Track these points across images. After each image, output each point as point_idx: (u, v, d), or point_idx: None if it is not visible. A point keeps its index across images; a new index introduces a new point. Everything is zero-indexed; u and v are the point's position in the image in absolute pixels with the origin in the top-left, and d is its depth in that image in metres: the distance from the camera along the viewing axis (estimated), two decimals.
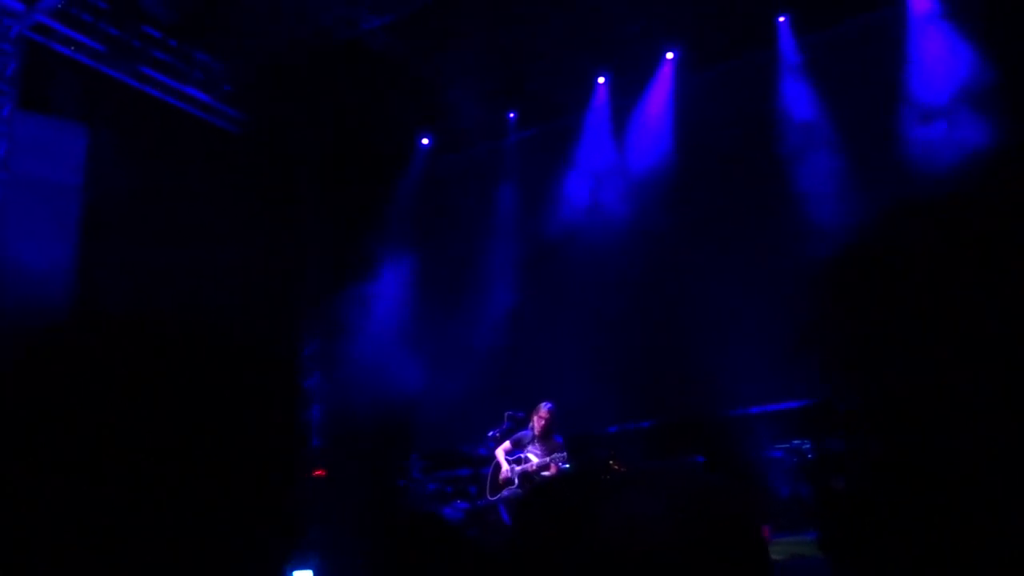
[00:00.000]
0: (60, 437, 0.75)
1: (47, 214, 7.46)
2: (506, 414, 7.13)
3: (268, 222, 9.25)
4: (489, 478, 7.06)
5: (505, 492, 6.84)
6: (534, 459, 6.82)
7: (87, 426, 0.75)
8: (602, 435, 8.36)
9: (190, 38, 8.71)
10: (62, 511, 0.73)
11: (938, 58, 7.79)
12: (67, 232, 7.55)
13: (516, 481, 6.83)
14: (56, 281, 7.22)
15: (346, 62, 9.03)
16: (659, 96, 9.45)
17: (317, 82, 9.32)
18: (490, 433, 7.20)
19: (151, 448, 0.76)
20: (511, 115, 10.30)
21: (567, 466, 7.11)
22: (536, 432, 6.88)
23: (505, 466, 6.95)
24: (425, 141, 10.73)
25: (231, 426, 0.85)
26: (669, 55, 9.36)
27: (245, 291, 8.19)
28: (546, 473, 6.72)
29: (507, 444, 7.03)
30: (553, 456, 6.74)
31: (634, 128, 9.62)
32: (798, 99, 8.62)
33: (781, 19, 8.82)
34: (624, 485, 1.05)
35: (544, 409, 6.88)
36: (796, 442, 7.55)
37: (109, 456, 0.75)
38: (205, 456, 0.81)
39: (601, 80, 9.77)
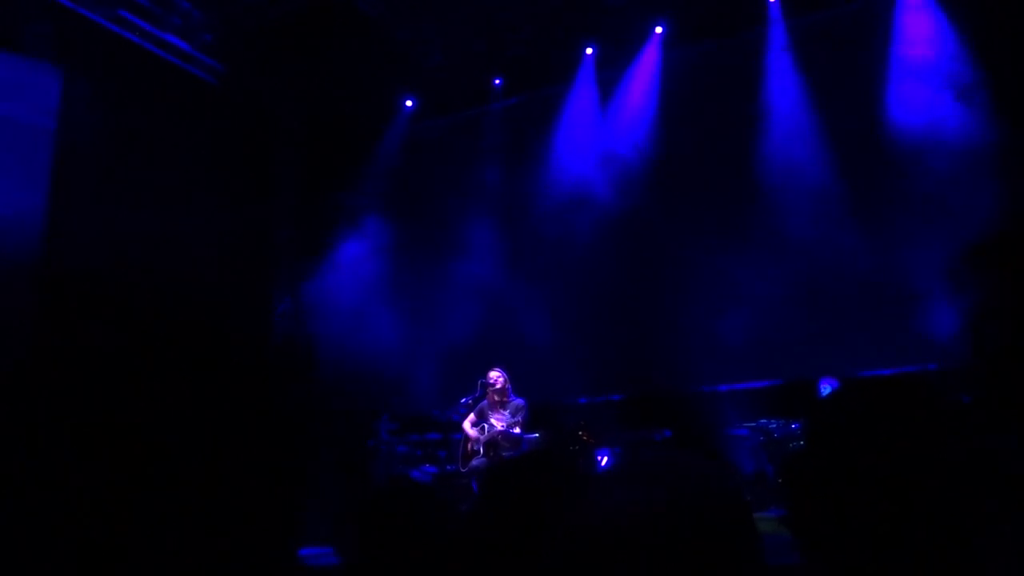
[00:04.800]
0: (31, 396, 0.72)
1: (17, 156, 7.24)
2: (480, 382, 7.13)
3: (244, 176, 9.10)
4: (460, 449, 7.13)
5: (474, 462, 6.89)
6: (498, 425, 6.86)
7: (55, 383, 0.72)
8: (572, 405, 8.41)
9: None
10: (25, 466, 0.71)
11: (925, 46, 7.81)
12: (38, 178, 7.34)
13: (481, 451, 6.88)
14: (24, 229, 7.01)
15: (329, 19, 8.85)
16: (646, 70, 9.40)
17: (298, 37, 9.13)
18: (463, 400, 7.23)
19: (125, 405, 0.74)
20: (496, 81, 10.19)
21: (535, 436, 7.17)
22: (492, 398, 6.94)
23: (471, 435, 7.01)
24: (409, 103, 10.60)
25: (200, 381, 0.83)
26: (658, 29, 9.29)
27: (218, 246, 8.07)
28: (516, 430, 6.75)
29: (472, 416, 7.07)
30: (511, 406, 6.82)
31: (620, 101, 9.57)
32: (785, 81, 8.60)
33: None
34: (611, 479, 1.03)
35: (494, 374, 6.95)
36: (763, 421, 7.65)
37: (80, 413, 0.72)
38: (181, 413, 0.79)
39: (589, 51, 9.70)
